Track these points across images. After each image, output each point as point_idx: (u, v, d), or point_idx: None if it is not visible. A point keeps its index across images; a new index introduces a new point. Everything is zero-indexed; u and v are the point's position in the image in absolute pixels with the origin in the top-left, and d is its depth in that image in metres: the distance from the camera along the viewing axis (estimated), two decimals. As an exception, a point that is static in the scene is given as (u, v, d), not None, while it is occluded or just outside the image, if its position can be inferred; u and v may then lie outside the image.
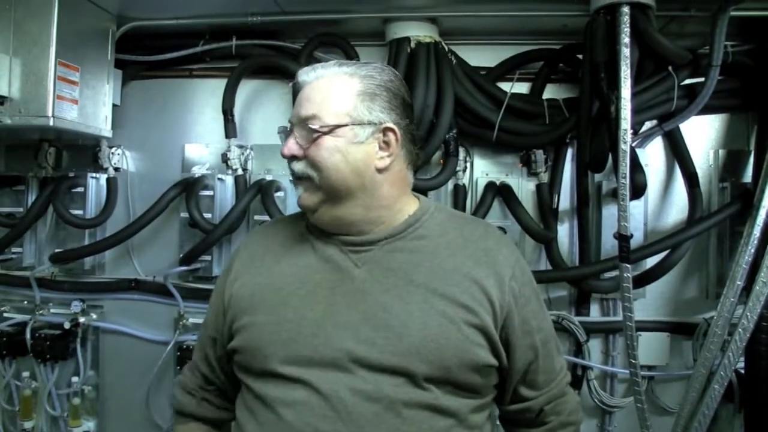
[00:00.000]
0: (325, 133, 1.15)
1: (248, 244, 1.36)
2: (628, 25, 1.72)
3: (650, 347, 2.17)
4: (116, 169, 2.40)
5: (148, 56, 2.35)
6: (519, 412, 1.27)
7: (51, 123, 1.94)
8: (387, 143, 1.19)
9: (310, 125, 1.15)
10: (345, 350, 1.11)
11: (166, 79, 2.43)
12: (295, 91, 1.24)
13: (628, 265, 1.80)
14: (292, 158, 1.19)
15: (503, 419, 1.34)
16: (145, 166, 2.46)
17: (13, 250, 2.46)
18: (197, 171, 2.39)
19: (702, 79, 2.02)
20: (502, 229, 2.22)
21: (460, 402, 1.16)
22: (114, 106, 2.25)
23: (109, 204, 2.36)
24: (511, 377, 1.23)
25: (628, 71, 1.74)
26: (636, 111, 1.74)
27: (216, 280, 1.39)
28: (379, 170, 1.19)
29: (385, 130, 1.18)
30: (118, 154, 2.41)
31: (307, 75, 1.20)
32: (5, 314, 2.47)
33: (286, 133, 1.22)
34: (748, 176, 2.18)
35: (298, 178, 1.20)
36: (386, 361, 1.11)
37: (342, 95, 1.16)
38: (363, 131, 1.16)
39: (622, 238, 1.78)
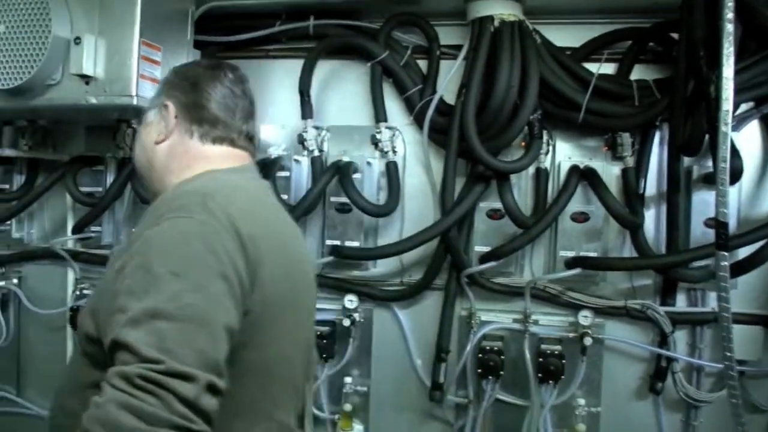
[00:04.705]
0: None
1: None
2: (733, -1, 1.62)
3: (742, 341, 2.03)
4: (189, 151, 2.40)
5: (225, 37, 2.34)
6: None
7: (135, 102, 1.94)
8: (164, 118, 1.30)
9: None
10: None
11: (242, 59, 2.38)
12: None
13: (726, 254, 1.70)
14: None
15: None
16: (220, 148, 2.45)
17: (93, 228, 2.51)
18: (273, 152, 2.37)
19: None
20: (584, 214, 2.15)
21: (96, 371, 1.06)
22: (192, 86, 2.25)
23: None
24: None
25: (731, 48, 1.64)
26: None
27: None
28: (156, 143, 1.30)
29: (163, 106, 1.30)
30: (194, 136, 2.41)
31: None
32: (84, 291, 2.52)
33: None
34: None
35: None
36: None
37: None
38: (151, 113, 1.34)
39: (720, 225, 1.68)
